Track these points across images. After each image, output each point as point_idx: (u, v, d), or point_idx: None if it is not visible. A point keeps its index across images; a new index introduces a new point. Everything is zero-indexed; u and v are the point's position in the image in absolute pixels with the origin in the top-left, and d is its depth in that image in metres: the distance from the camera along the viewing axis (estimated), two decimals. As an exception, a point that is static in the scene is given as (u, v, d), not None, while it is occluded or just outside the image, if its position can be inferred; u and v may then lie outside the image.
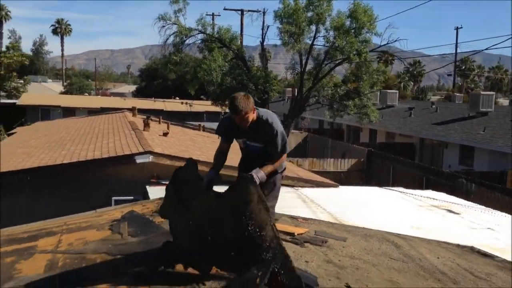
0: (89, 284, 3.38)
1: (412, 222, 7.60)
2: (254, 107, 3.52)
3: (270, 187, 3.75)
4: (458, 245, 6.36)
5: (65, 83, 62.62)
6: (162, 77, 42.82)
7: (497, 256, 6.13)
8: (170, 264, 3.33)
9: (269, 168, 3.55)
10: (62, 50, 78.34)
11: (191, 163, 3.31)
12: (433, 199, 9.82)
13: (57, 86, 59.14)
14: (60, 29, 75.66)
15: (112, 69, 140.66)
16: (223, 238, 2.89)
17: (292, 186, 10.05)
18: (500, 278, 5.03)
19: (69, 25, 77.33)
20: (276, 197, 3.87)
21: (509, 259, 6.14)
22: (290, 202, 8.20)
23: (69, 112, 31.96)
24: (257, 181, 3.19)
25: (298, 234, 4.90)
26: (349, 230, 5.85)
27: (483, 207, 9.98)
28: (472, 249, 6.32)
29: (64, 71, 77.99)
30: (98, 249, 4.09)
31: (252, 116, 3.51)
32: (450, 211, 8.87)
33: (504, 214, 9.51)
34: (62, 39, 77.02)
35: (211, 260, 3.06)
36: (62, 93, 51.00)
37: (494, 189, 12.70)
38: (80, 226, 4.85)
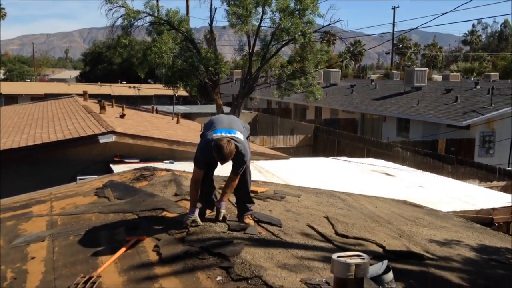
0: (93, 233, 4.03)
1: (355, 184, 8.66)
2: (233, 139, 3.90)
3: (246, 175, 4.28)
4: (393, 199, 7.47)
5: (2, 70, 59.58)
6: (107, 61, 41.98)
7: (425, 206, 7.31)
8: None
9: (227, 194, 4.15)
10: (-3, 35, 73.83)
11: None
12: (373, 165, 11.00)
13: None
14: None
15: (49, 54, 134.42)
16: None
17: (248, 159, 10.86)
18: (426, 220, 6.15)
19: (3, 8, 72.94)
20: (250, 174, 4.43)
21: (435, 208, 7.34)
22: (247, 173, 8.98)
23: (11, 99, 30.93)
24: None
25: (260, 192, 5.74)
26: (302, 189, 6.76)
27: (416, 170, 11.31)
28: (405, 202, 7.46)
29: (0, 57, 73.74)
30: (91, 210, 4.71)
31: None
32: (387, 174, 10.05)
33: (433, 174, 10.87)
34: (-4, 23, 72.46)
35: None
36: (1, 80, 48.73)
37: (426, 155, 14.20)
38: (67, 194, 5.40)
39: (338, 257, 2.60)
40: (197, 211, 3.96)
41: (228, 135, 3.90)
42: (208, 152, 3.88)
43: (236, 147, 3.87)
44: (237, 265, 3.19)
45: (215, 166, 4.25)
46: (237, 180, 4.13)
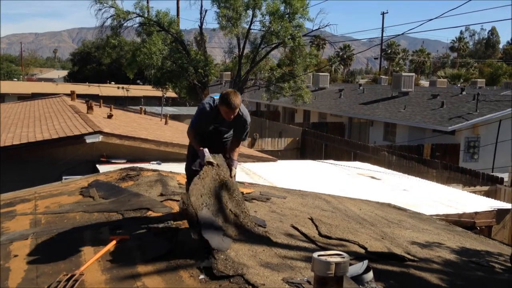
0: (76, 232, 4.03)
1: (341, 186, 8.73)
2: None
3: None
4: (377, 202, 7.56)
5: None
6: (95, 61, 41.74)
7: (409, 209, 7.40)
8: None
9: (236, 154, 4.36)
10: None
11: None
12: (359, 168, 11.10)
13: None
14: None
15: (37, 54, 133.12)
16: None
17: (235, 161, 10.89)
18: (409, 223, 6.23)
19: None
20: None
21: (419, 211, 7.44)
22: (234, 174, 9.01)
23: (-3, 98, 30.61)
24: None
25: (246, 193, 5.77)
26: (288, 191, 6.81)
27: (401, 173, 11.44)
28: (389, 205, 7.55)
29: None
30: (75, 209, 4.70)
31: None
32: (373, 177, 10.16)
33: (418, 179, 11.01)
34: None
35: None
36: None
37: (412, 159, 14.37)
38: (52, 193, 5.38)
39: (318, 255, 2.65)
40: (207, 152, 3.91)
41: None
42: (208, 111, 3.96)
43: (239, 108, 3.96)
44: (220, 261, 3.21)
45: (217, 134, 4.21)
46: (240, 146, 4.36)
